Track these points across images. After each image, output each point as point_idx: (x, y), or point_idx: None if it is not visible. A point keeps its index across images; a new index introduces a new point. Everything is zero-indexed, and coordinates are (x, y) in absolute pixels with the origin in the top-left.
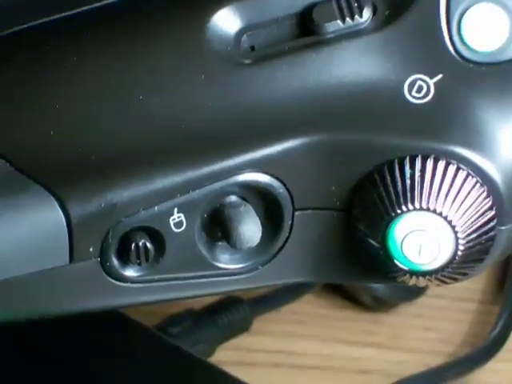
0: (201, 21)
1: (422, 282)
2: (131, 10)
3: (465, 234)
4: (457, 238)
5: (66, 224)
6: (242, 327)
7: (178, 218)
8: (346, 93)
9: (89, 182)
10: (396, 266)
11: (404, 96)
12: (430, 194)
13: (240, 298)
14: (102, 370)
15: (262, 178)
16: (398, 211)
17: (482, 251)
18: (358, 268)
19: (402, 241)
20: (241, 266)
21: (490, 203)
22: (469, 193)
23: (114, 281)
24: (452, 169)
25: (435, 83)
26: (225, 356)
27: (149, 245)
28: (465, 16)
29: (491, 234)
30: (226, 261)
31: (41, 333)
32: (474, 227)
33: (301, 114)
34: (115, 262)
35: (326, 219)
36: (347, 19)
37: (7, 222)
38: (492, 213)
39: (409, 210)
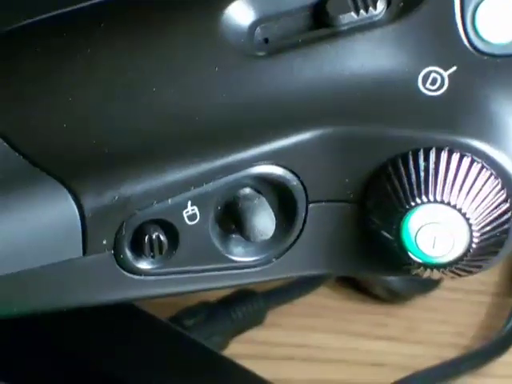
0: (215, 13)
1: (436, 274)
2: (145, 1)
3: (479, 227)
4: (471, 231)
5: (79, 217)
6: (256, 320)
7: (192, 210)
8: (360, 85)
9: (102, 174)
10: (410, 258)
11: (418, 88)
12: (444, 186)
13: (254, 291)
14: (116, 363)
15: (276, 170)
16: (412, 204)
17: (496, 244)
18: (372, 260)
19: (416, 233)
20: (255, 258)
21: (504, 196)
22: (483, 185)
23: (127, 273)
24: (466, 161)
25: (449, 75)
26: (239, 349)
27: (162, 237)
28: (479, 8)
29: (506, 226)
30: (239, 253)
31: (54, 326)
32: (489, 220)
33: (314, 106)
34: (129, 254)
35: (340, 212)
36: (361, 11)
37: (21, 214)
38: (506, 205)
39: (423, 203)
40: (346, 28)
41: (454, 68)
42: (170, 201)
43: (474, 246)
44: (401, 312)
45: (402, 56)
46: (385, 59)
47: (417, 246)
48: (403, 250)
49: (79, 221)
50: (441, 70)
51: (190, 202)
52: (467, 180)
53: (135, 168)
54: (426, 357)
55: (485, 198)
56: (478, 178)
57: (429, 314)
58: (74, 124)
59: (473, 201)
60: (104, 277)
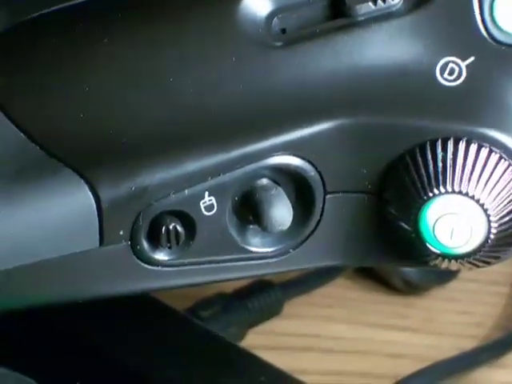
0: (232, 3)
1: (453, 265)
2: None
3: (497, 217)
4: (489, 222)
5: (96, 207)
6: (273, 311)
7: (209, 201)
8: (377, 76)
9: (119, 165)
10: (428, 249)
11: (436, 79)
12: (462, 177)
13: (271, 282)
14: (132, 354)
15: (294, 160)
16: (430, 194)
17: None
18: (390, 251)
19: (434, 224)
20: (272, 249)
21: None
22: (501, 176)
23: (144, 264)
24: (484, 151)
25: (467, 66)
26: (255, 340)
27: (179, 228)
28: None
29: None
30: (256, 244)
31: (70, 317)
32: (507, 210)
33: (332, 96)
34: (145, 245)
35: (358, 202)
36: (379, 1)
37: (38, 205)
38: None
39: (441, 193)
40: (363, 18)
41: (472, 58)
42: (187, 191)
43: (491, 236)
44: (419, 303)
45: (420, 46)
46: (402, 49)
47: (435, 236)
48: (421, 241)
49: (96, 211)
50: (458, 61)
51: (207, 193)
52: (485, 170)
53: (152, 158)
54: (445, 348)
55: (503, 189)
56: (496, 169)
57: (447, 304)
58: (90, 114)
59: (491, 191)
60: (120, 268)
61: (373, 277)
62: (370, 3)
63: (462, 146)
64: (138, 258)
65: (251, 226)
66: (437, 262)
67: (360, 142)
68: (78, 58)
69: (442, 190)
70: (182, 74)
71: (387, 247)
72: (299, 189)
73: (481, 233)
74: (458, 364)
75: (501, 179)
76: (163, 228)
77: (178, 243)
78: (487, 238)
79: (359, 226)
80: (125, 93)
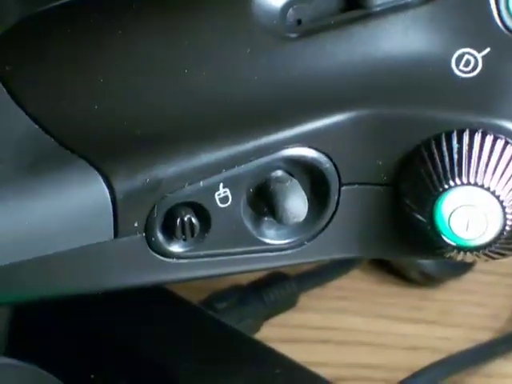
0: None
1: (469, 257)
2: None
3: None
4: (505, 213)
5: (110, 199)
6: (289, 303)
7: (224, 193)
8: (393, 67)
9: (134, 157)
10: (443, 241)
11: (451, 70)
12: (477, 168)
13: (286, 274)
14: (148, 347)
15: (309, 152)
16: (446, 186)
17: None
18: (405, 243)
19: (450, 216)
20: (287, 241)
21: None
22: None
23: (159, 256)
24: (500, 143)
25: (483, 57)
26: (271, 332)
27: (194, 220)
28: None
29: None
30: (271, 236)
31: (84, 309)
32: None
33: (348, 88)
34: (160, 237)
35: (373, 194)
36: None
37: (52, 197)
38: None
39: (456, 185)
40: (378, 9)
41: (488, 50)
42: (201, 183)
43: (507, 228)
44: (435, 295)
45: (435, 37)
46: (418, 41)
47: (450, 228)
48: (436, 233)
49: (110, 203)
50: (474, 52)
51: (221, 185)
52: (501, 162)
53: (167, 150)
54: (461, 340)
55: None
56: None
57: (463, 296)
58: (105, 106)
59: (506, 183)
60: (135, 260)
61: (388, 269)
62: None
63: (477, 137)
64: (153, 250)
65: (266, 218)
66: (452, 253)
67: (375, 133)
68: (91, 49)
69: (458, 181)
70: (197, 65)
71: (402, 239)
72: (314, 181)
73: (496, 224)
74: (473, 356)
75: None
76: (178, 220)
77: (192, 235)
78: (503, 229)
79: (374, 218)
80: (139, 84)
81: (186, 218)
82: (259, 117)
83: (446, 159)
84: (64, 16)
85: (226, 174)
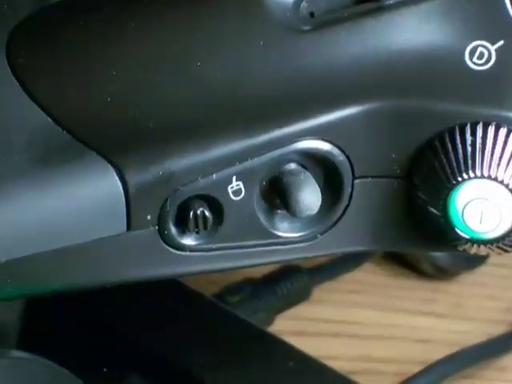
0: None
1: (483, 250)
2: None
3: None
4: None
5: (123, 192)
6: (301, 296)
7: (237, 185)
8: (406, 60)
9: (147, 149)
10: (457, 234)
11: (465, 63)
12: (491, 161)
13: (299, 267)
14: (160, 340)
15: (322, 145)
16: (459, 179)
17: None
18: (419, 236)
19: (463, 209)
20: (300, 234)
21: None
22: None
23: (171, 249)
24: None
25: (496, 50)
26: (284, 325)
27: (207, 213)
28: None
29: None
30: (285, 229)
31: (96, 302)
32: None
33: (361, 80)
34: (173, 230)
35: (386, 187)
36: None
37: (64, 190)
38: None
39: (470, 178)
40: (391, 2)
41: (502, 42)
42: (214, 176)
43: None
44: (448, 288)
45: (449, 30)
46: (431, 33)
47: (464, 221)
48: (450, 226)
49: (123, 196)
50: (488, 44)
51: (234, 178)
52: None
53: (180, 143)
54: (474, 333)
55: None
56: None
57: (476, 289)
58: (118, 98)
59: None
60: (148, 253)
61: (401, 262)
62: None
63: (491, 130)
64: (166, 242)
65: (279, 211)
66: (466, 246)
67: (388, 126)
68: (104, 41)
69: (471, 174)
70: (210, 58)
71: (416, 232)
72: (327, 173)
73: (510, 217)
74: (486, 350)
75: None
76: (191, 213)
77: (205, 228)
78: None
79: (388, 210)
80: (152, 77)
81: (198, 211)
82: (272, 109)
83: (460, 152)
84: (76, 8)
85: (239, 166)
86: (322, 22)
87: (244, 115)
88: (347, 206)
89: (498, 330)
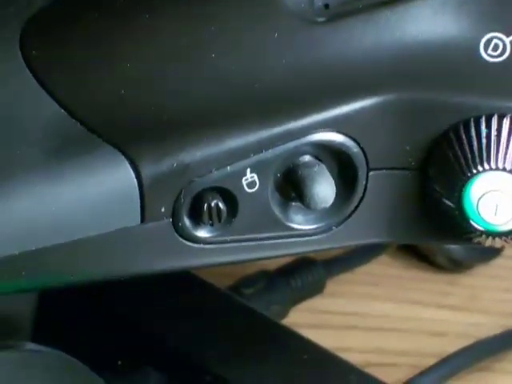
0: None
1: (497, 242)
2: None
3: None
4: None
5: (137, 184)
6: (316, 289)
7: (251, 178)
8: (421, 51)
9: (161, 141)
10: (472, 226)
11: (480, 55)
12: (506, 153)
13: (314, 259)
14: (175, 332)
15: (337, 137)
16: (474, 171)
17: None
18: (433, 228)
19: (478, 201)
20: (314, 226)
21: None
22: None
23: (186, 241)
24: None
25: (511, 41)
26: (298, 318)
27: (221, 205)
28: None
29: None
30: (299, 221)
31: (110, 294)
32: None
33: (376, 72)
34: (187, 222)
35: (401, 179)
36: None
37: (78, 182)
38: None
39: (485, 170)
40: None
41: None
42: (228, 168)
43: None
44: (463, 280)
45: (464, 22)
46: (446, 25)
47: (478, 213)
48: (465, 218)
49: (137, 188)
50: (503, 36)
51: (249, 170)
52: None
53: (194, 135)
54: (489, 325)
55: None
56: None
57: (491, 282)
58: (131, 90)
59: None
60: (162, 245)
61: (416, 254)
62: None
63: (506, 122)
64: (180, 235)
65: (293, 203)
66: (480, 239)
67: (403, 118)
68: (118, 33)
69: (486, 166)
70: (224, 49)
71: (431, 224)
72: (342, 166)
73: None
74: (502, 342)
75: None
76: (205, 205)
77: (219, 220)
78: None
79: (402, 203)
80: (166, 69)
81: (213, 203)
82: (287, 101)
83: (475, 144)
84: (91, 1)
85: (253, 158)
86: (336, 14)
87: (258, 107)
88: (362, 198)
89: None
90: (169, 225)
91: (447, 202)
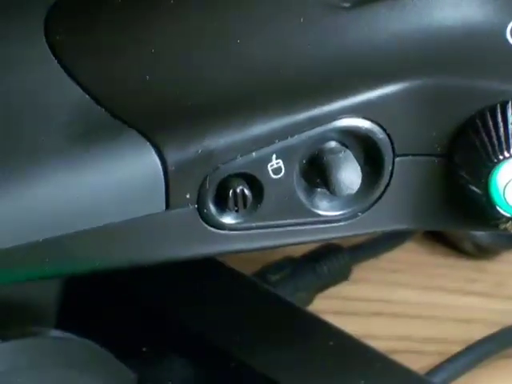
0: None
1: None
2: None
3: None
4: None
5: (162, 170)
6: (341, 275)
7: (277, 164)
8: (446, 37)
9: (186, 128)
10: (498, 213)
11: (506, 40)
12: None
13: (339, 246)
14: (199, 319)
15: (363, 123)
16: (501, 157)
17: None
18: (460, 215)
19: (505, 187)
20: (340, 213)
21: None
22: None
23: (211, 228)
24: None
25: None
26: (324, 305)
27: (247, 191)
28: None
29: None
30: (324, 208)
31: (135, 281)
32: None
33: (401, 58)
34: (212, 208)
35: (427, 165)
36: None
37: (104, 168)
38: None
39: (511, 156)
40: None
41: None
42: (254, 154)
43: None
44: (489, 267)
45: (490, 7)
46: (472, 10)
47: (505, 200)
48: (491, 205)
49: (162, 174)
50: None
51: (274, 156)
52: None
53: (219, 121)
54: None
55: None
56: None
57: None
58: (156, 76)
59: None
60: (187, 231)
61: (442, 241)
62: None
63: None
64: (205, 221)
65: (319, 190)
66: (507, 225)
67: (429, 104)
68: (143, 19)
69: None
70: (249, 35)
71: (457, 211)
72: (368, 152)
73: None
74: None
75: None
76: (230, 191)
77: (245, 206)
78: None
79: (428, 189)
80: (191, 55)
81: (238, 190)
82: (312, 87)
83: (501, 130)
84: None
85: (278, 144)
86: None
87: (284, 92)
88: (388, 184)
89: None
90: (194, 211)
91: (473, 189)
